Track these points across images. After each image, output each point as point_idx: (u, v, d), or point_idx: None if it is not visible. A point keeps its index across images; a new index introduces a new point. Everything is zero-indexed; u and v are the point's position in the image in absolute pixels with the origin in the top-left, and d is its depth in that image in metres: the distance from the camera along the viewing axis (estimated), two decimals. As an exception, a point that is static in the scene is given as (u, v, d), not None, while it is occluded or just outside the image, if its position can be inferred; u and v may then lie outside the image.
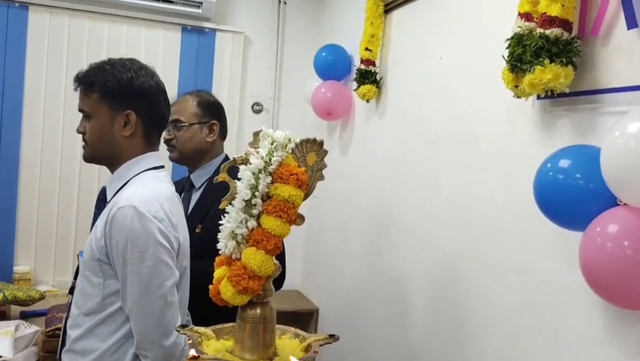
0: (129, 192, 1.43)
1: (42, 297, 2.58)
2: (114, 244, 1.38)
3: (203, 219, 1.94)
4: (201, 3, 3.14)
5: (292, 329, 1.20)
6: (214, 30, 3.30)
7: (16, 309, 2.61)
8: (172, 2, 3.13)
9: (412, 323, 2.21)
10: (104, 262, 1.41)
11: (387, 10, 2.55)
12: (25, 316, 2.57)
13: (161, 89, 1.56)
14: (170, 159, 2.08)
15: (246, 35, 3.41)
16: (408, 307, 2.25)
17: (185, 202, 2.05)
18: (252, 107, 3.50)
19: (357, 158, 2.86)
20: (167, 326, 1.41)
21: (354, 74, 2.66)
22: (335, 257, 3.05)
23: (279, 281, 1.78)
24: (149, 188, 1.46)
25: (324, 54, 2.92)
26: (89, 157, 1.55)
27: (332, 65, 2.90)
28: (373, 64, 2.56)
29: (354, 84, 2.64)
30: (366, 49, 2.56)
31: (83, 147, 1.54)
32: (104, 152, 1.52)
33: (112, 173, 1.55)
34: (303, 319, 3.21)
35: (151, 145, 1.57)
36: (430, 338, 2.09)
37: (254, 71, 3.47)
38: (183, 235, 1.53)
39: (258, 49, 3.47)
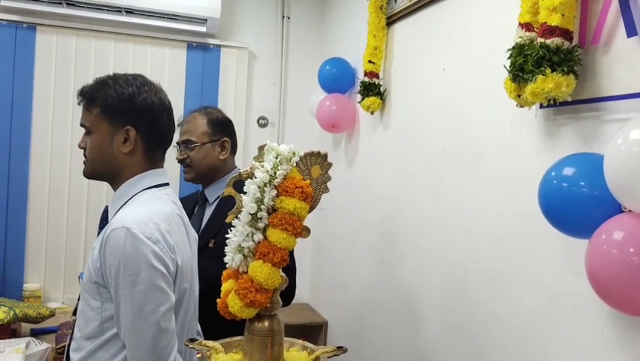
0: (125, 213, 1.38)
1: (52, 314, 2.59)
2: (107, 267, 1.33)
3: (217, 233, 1.94)
4: (206, 20, 3.18)
5: (300, 341, 1.20)
6: (219, 46, 3.34)
7: (26, 326, 2.62)
8: (177, 20, 3.16)
9: (421, 334, 2.21)
10: (100, 284, 1.36)
11: (390, 23, 2.58)
12: (35, 333, 2.59)
13: (164, 106, 1.52)
14: (187, 180, 2.09)
15: (251, 51, 3.45)
16: (416, 319, 2.25)
17: (199, 217, 2.06)
18: (258, 121, 3.52)
19: (362, 170, 2.87)
20: (161, 354, 1.34)
21: (358, 86, 2.68)
22: (343, 270, 3.05)
23: (288, 297, 1.77)
24: (146, 208, 1.41)
25: (328, 67, 2.95)
26: (89, 173, 1.51)
27: (336, 78, 2.93)
28: (377, 76, 2.58)
29: (359, 96, 2.66)
30: (370, 61, 2.58)
31: (84, 163, 1.51)
32: (103, 168, 1.49)
33: (114, 191, 1.51)
34: (312, 332, 3.20)
35: (153, 163, 1.52)
36: (439, 350, 2.09)
37: (259, 85, 3.51)
38: (183, 256, 1.46)
39: (263, 64, 3.51)
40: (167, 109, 1.54)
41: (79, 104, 1.50)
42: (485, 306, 1.81)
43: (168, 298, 1.37)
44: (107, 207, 1.55)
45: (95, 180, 1.56)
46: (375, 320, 2.61)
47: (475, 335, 1.86)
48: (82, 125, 1.50)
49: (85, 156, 1.50)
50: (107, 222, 1.47)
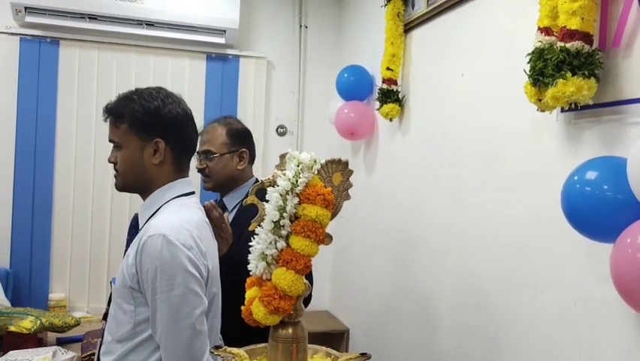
0: (159, 220, 1.44)
1: (77, 323, 2.63)
2: (144, 272, 1.38)
3: (237, 240, 1.96)
4: (224, 31, 3.22)
5: (324, 348, 1.21)
6: (237, 56, 3.38)
7: (52, 335, 2.66)
8: (196, 32, 3.21)
9: (443, 341, 2.19)
10: (135, 289, 1.41)
11: (407, 29, 2.58)
12: (61, 342, 2.62)
13: (188, 116, 1.58)
14: (206, 189, 2.13)
15: (269, 60, 3.48)
16: (437, 325, 2.23)
17: None
18: (277, 129, 3.55)
19: (382, 176, 2.87)
20: (196, 355, 1.40)
21: (376, 93, 2.68)
22: (363, 276, 3.05)
23: (306, 300, 1.79)
24: (179, 215, 1.47)
25: (345, 75, 2.96)
26: (121, 186, 1.57)
27: (354, 85, 2.94)
28: (395, 83, 2.59)
29: (377, 104, 2.67)
30: (388, 68, 2.58)
31: (115, 177, 1.56)
32: (134, 180, 1.54)
33: (143, 200, 1.57)
34: (334, 339, 3.20)
35: (180, 172, 1.58)
36: (461, 357, 2.07)
37: (277, 94, 3.53)
38: (212, 261, 1.53)
39: (281, 73, 3.54)
40: (191, 118, 1.60)
41: (105, 120, 1.55)
42: (507, 312, 1.80)
43: (202, 301, 1.42)
44: (136, 215, 1.60)
45: (127, 192, 1.62)
46: (397, 326, 2.60)
47: (498, 342, 1.84)
48: (111, 140, 1.55)
49: (116, 170, 1.55)
50: (137, 229, 1.52)
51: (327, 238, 1.12)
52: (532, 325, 1.68)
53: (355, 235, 3.14)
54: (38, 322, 2.45)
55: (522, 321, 1.73)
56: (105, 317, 1.63)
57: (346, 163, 1.16)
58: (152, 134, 1.50)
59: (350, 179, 1.16)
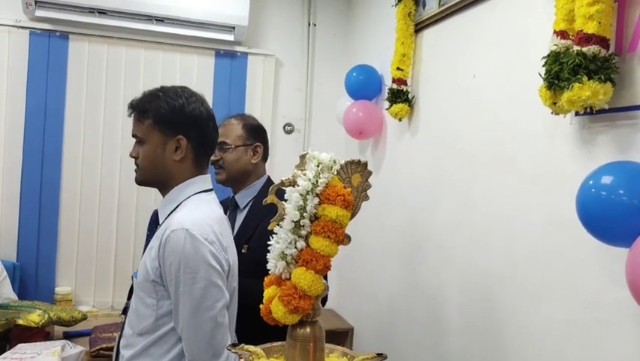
0: (181, 216, 1.47)
1: (84, 317, 2.65)
2: (167, 266, 1.42)
3: (249, 239, 1.98)
4: (234, 28, 3.22)
5: (340, 347, 1.21)
6: (246, 54, 3.38)
7: (59, 330, 2.67)
8: (205, 29, 3.21)
9: (449, 342, 2.20)
10: (157, 283, 1.45)
11: (418, 29, 2.59)
12: (68, 336, 2.64)
13: (210, 115, 1.62)
14: (218, 181, 2.14)
15: (277, 58, 3.48)
16: (444, 326, 2.24)
17: (230, 222, 2.09)
18: (284, 127, 3.55)
19: (389, 177, 2.87)
20: (218, 347, 1.43)
21: (385, 93, 2.69)
22: (369, 276, 3.06)
23: (323, 300, 1.80)
24: (201, 211, 1.50)
25: (354, 74, 2.96)
26: (141, 180, 1.60)
27: (363, 84, 2.94)
28: (405, 83, 2.59)
29: (386, 103, 2.67)
30: (398, 68, 2.59)
31: (135, 171, 1.59)
32: (155, 175, 1.57)
33: (163, 196, 1.60)
34: (338, 338, 3.20)
35: (200, 169, 1.61)
36: (467, 358, 2.08)
37: (285, 92, 3.54)
38: (232, 256, 1.56)
39: (289, 71, 3.54)
40: (212, 118, 1.63)
41: (129, 115, 1.58)
42: (517, 315, 1.80)
43: (223, 294, 1.46)
44: (156, 210, 1.62)
45: (146, 186, 1.65)
46: (403, 327, 2.61)
47: (506, 344, 1.85)
48: (134, 135, 1.58)
49: (137, 164, 1.58)
50: (157, 225, 1.55)
51: (347, 239, 1.13)
52: (541, 328, 1.69)
53: (362, 235, 3.14)
54: (46, 315, 2.46)
55: (531, 324, 1.73)
56: (125, 311, 1.65)
57: (365, 164, 1.16)
58: (174, 131, 1.54)
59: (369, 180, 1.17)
